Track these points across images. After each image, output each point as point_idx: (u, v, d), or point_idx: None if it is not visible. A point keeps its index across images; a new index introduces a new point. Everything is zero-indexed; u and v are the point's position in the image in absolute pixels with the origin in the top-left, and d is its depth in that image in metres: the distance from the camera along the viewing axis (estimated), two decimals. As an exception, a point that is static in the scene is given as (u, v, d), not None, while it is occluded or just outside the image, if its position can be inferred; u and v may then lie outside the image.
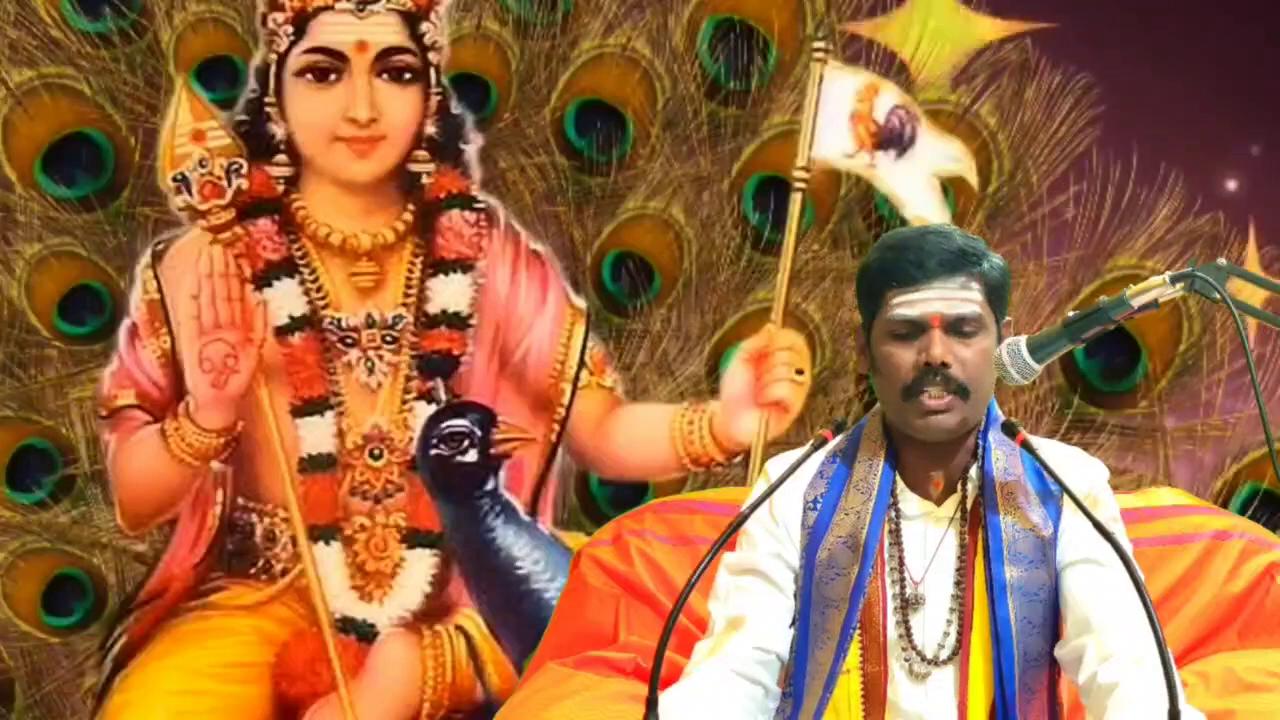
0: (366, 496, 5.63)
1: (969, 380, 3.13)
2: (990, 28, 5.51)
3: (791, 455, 3.20)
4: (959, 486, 3.20)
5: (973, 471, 3.20)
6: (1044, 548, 3.16)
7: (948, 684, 3.16)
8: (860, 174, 5.48)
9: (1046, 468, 3.12)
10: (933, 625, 3.17)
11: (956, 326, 3.14)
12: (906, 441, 3.20)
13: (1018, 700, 3.13)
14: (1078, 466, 3.22)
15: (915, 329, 3.14)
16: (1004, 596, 3.13)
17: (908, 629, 3.17)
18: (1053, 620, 3.17)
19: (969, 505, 3.19)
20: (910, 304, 3.14)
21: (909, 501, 3.20)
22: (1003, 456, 3.19)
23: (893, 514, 3.20)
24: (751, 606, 3.19)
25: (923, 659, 3.16)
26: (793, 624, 3.20)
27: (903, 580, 3.18)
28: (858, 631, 3.16)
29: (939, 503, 3.20)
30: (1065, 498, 3.12)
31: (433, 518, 5.61)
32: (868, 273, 3.21)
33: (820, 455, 3.21)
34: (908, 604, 3.17)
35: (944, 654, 3.16)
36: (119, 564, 5.67)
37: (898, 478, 3.21)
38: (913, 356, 3.14)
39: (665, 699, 3.03)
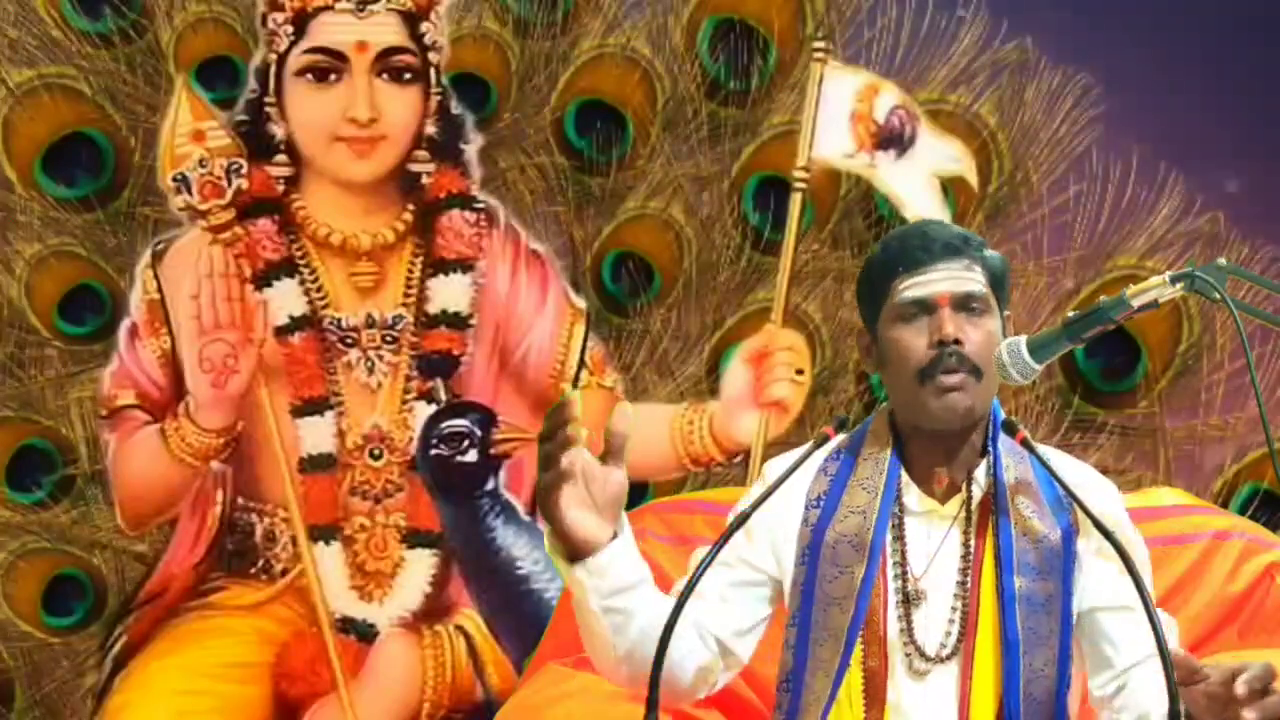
0: (366, 496, 5.63)
1: (981, 360, 3.15)
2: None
3: (791, 456, 3.20)
4: (964, 487, 3.20)
5: (979, 473, 3.20)
6: (1052, 557, 3.16)
7: (949, 684, 3.15)
8: (860, 174, 5.48)
9: (1046, 466, 3.12)
10: (934, 622, 3.17)
11: (964, 303, 3.16)
12: (914, 436, 3.21)
13: (1023, 711, 3.13)
14: (1093, 484, 3.22)
15: (924, 309, 3.15)
16: (1012, 606, 3.13)
17: (909, 625, 3.17)
18: (1059, 630, 3.16)
19: (974, 507, 3.19)
20: (918, 285, 3.16)
21: (913, 497, 3.20)
22: (1013, 463, 3.19)
23: (896, 509, 3.20)
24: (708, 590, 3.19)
25: (923, 656, 3.16)
26: (791, 622, 3.20)
27: (904, 576, 3.18)
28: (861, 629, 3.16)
29: (943, 501, 3.20)
30: (1079, 513, 3.12)
31: (433, 518, 5.61)
32: (872, 266, 3.23)
33: (822, 453, 3.22)
34: (909, 600, 3.17)
35: (945, 652, 3.16)
36: (119, 564, 5.67)
37: (903, 473, 3.21)
38: (924, 338, 3.15)
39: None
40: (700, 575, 2.98)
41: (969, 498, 3.19)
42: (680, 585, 3.03)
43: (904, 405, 3.20)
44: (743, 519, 3.08)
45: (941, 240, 3.19)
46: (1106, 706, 3.16)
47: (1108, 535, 2.98)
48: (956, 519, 3.19)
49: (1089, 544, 3.16)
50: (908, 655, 3.16)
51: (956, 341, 3.13)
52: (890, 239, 3.26)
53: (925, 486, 3.21)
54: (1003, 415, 3.22)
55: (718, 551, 3.03)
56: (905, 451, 3.22)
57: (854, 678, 3.17)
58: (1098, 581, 3.17)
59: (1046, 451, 3.18)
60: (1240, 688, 2.84)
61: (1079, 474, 3.23)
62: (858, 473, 3.22)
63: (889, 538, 3.18)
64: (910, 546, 3.19)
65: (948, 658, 3.16)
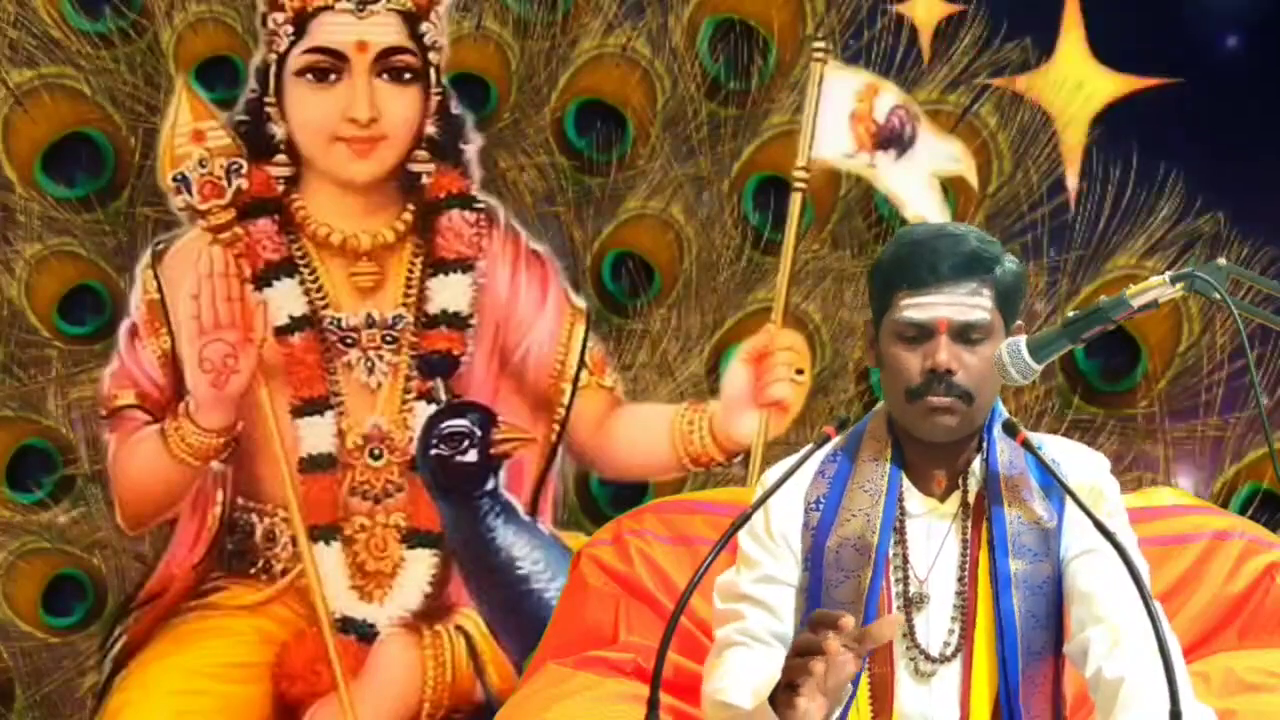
0: (366, 496, 5.63)
1: (973, 387, 3.13)
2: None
3: (789, 462, 3.19)
4: (961, 482, 3.20)
5: (975, 466, 3.20)
6: (1047, 540, 3.16)
7: (952, 680, 3.16)
8: (860, 174, 5.48)
9: (1047, 467, 3.12)
10: (936, 623, 3.17)
11: (964, 333, 3.14)
12: (911, 439, 3.20)
13: (1021, 693, 3.13)
14: (1080, 460, 3.22)
15: (922, 333, 3.14)
16: (1008, 589, 3.13)
17: (911, 628, 3.16)
18: (1056, 613, 3.17)
19: (971, 500, 3.19)
20: (918, 307, 3.14)
21: (913, 499, 3.20)
22: (1007, 450, 3.19)
23: (898, 513, 3.19)
24: (748, 637, 3.20)
25: (927, 658, 3.16)
26: (798, 629, 3.20)
27: (906, 579, 3.18)
28: None
29: (942, 499, 3.20)
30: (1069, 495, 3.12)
31: (433, 518, 5.61)
32: (880, 269, 3.20)
33: (818, 456, 3.21)
34: (911, 603, 3.17)
35: (949, 651, 3.16)
36: (119, 564, 5.67)
37: (903, 476, 3.21)
38: (919, 361, 3.13)
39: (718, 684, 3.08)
40: (698, 580, 2.97)
41: (965, 493, 3.19)
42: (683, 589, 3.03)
43: (896, 415, 3.21)
44: (744, 519, 3.08)
45: (950, 260, 3.13)
46: (1078, 663, 3.15)
47: (1107, 535, 2.98)
48: (956, 516, 3.19)
49: (1073, 520, 3.15)
50: (912, 659, 3.16)
51: (949, 371, 3.12)
52: (901, 244, 3.20)
53: (924, 487, 3.21)
54: (1004, 411, 3.22)
55: (717, 553, 3.02)
56: (903, 452, 3.22)
57: (860, 683, 3.16)
58: (1073, 532, 3.17)
59: (1040, 439, 3.18)
60: None
61: (1067, 453, 3.22)
62: (857, 475, 3.21)
63: (891, 541, 3.18)
64: (912, 550, 3.19)
65: (951, 656, 3.16)
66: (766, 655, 3.16)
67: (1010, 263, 3.19)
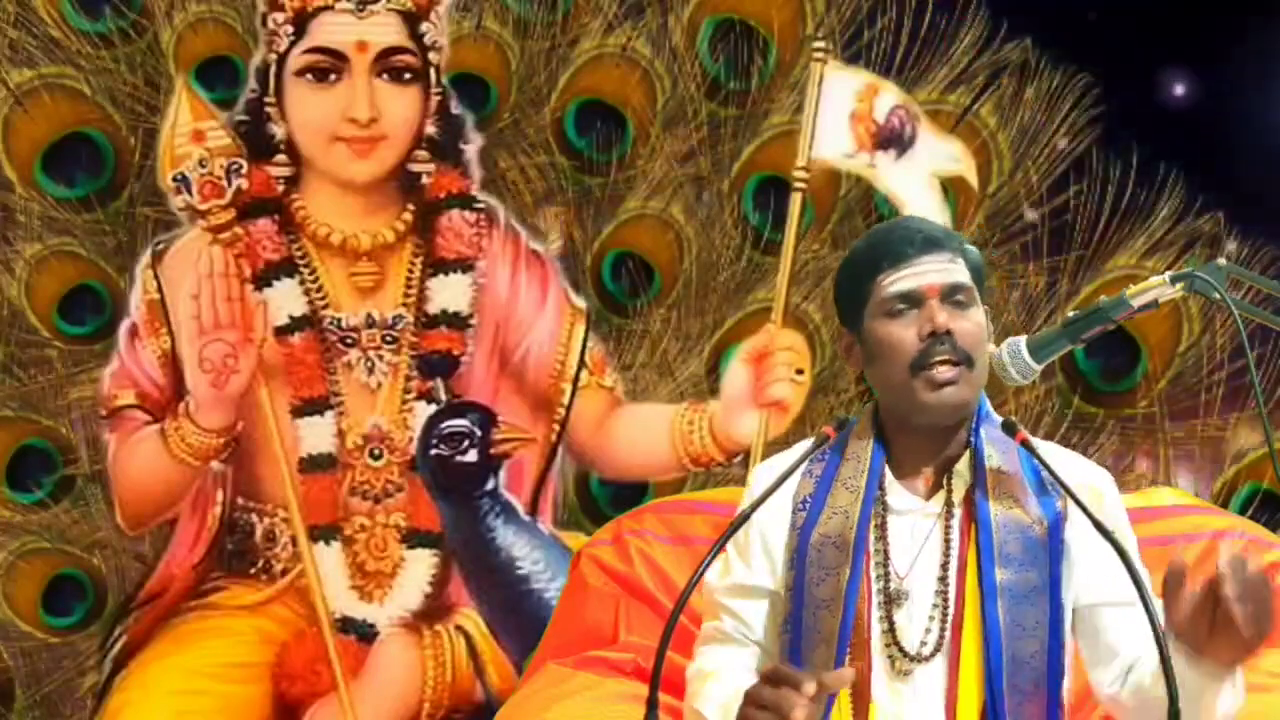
0: (366, 496, 5.63)
1: (971, 350, 3.14)
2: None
3: (780, 459, 3.19)
4: (946, 481, 3.19)
5: (960, 465, 3.19)
6: (1037, 547, 3.15)
7: (935, 682, 3.14)
8: (860, 174, 5.48)
9: (1045, 466, 3.11)
10: (916, 621, 3.16)
11: (951, 295, 3.15)
12: (900, 433, 3.20)
13: (1006, 702, 3.12)
14: (1081, 469, 3.21)
15: (913, 302, 3.15)
16: (993, 598, 3.12)
17: (891, 625, 3.16)
18: (1049, 622, 3.15)
19: (956, 499, 3.18)
20: (905, 278, 3.15)
21: (897, 496, 3.19)
22: (996, 453, 3.18)
23: (880, 509, 3.19)
24: (724, 635, 3.23)
25: (905, 655, 3.15)
26: (784, 629, 3.20)
27: (887, 575, 3.17)
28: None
29: (927, 497, 3.19)
30: (1069, 501, 3.11)
31: (433, 518, 5.61)
32: (853, 263, 3.23)
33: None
34: (891, 600, 3.16)
35: (926, 650, 3.15)
36: (119, 564, 5.67)
37: (887, 471, 3.20)
38: (914, 330, 3.14)
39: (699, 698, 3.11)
40: (697, 580, 2.97)
41: (950, 492, 3.18)
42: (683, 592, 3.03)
43: (895, 400, 3.19)
44: (743, 518, 3.07)
45: (924, 234, 3.18)
46: (1115, 702, 3.15)
47: (1105, 534, 2.97)
48: (939, 515, 3.18)
49: (1081, 532, 3.15)
50: (890, 655, 3.15)
51: (948, 332, 3.13)
52: (870, 235, 3.26)
53: (909, 484, 3.20)
54: (994, 412, 3.21)
55: (716, 552, 3.02)
56: (890, 449, 3.21)
57: None
58: (1100, 575, 3.16)
59: (1036, 444, 3.17)
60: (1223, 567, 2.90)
61: (1071, 465, 3.22)
62: (841, 473, 3.21)
63: (872, 538, 3.18)
64: (893, 546, 3.18)
65: (929, 656, 3.15)
66: (743, 654, 3.21)
67: (971, 247, 3.23)
